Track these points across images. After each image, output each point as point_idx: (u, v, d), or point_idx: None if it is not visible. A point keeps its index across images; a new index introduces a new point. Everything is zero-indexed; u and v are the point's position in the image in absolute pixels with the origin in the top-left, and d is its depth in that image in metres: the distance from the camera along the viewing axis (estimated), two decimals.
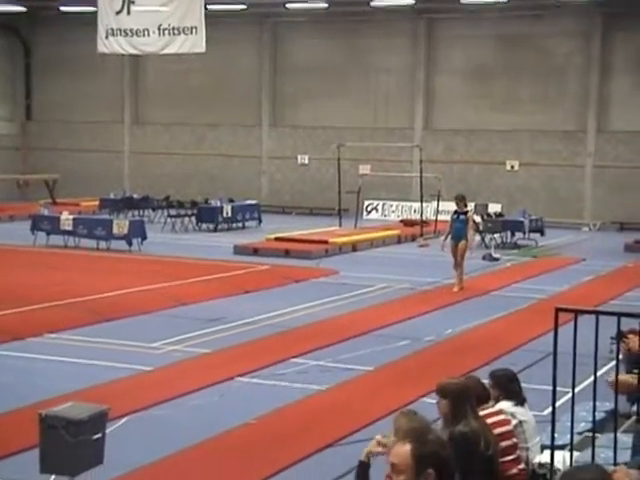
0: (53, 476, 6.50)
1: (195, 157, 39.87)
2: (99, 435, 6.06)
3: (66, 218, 25.68)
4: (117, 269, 21.46)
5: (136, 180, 40.43)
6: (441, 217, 31.05)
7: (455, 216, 19.12)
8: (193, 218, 30.67)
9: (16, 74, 43.12)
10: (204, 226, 30.47)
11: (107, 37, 26.37)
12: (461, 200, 19.20)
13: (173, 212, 30.86)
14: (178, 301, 16.95)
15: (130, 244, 24.69)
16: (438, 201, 30.22)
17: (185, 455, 8.71)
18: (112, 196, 34.42)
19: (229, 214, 31.03)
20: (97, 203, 34.45)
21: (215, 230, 30.24)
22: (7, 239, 25.96)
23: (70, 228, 25.40)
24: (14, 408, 9.91)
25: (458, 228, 18.86)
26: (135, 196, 34.66)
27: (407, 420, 4.94)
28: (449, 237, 19.17)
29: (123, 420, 9.37)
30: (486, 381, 6.95)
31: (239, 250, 24.61)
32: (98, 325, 14.70)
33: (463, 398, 5.81)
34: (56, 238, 25.37)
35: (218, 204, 31.23)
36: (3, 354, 12.65)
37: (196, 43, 25.25)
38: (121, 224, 25.24)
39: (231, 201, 32.24)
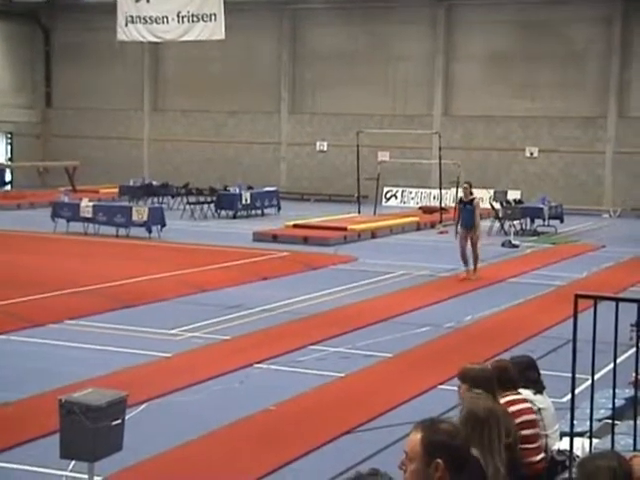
0: (73, 461, 6.55)
1: (214, 144, 39.90)
2: (118, 421, 6.09)
3: (86, 205, 25.78)
4: (136, 256, 21.54)
5: (155, 167, 40.52)
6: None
7: (462, 205, 18.88)
8: (212, 205, 30.71)
9: (36, 62, 43.26)
10: (223, 213, 30.51)
11: (127, 25, 26.46)
12: (466, 188, 18.95)
13: (192, 199, 30.91)
14: (197, 288, 17.00)
15: (149, 231, 24.76)
16: (457, 188, 30.12)
17: (204, 441, 8.74)
18: (131, 183, 34.51)
19: (248, 201, 31.06)
20: (116, 190, 34.55)
21: (234, 217, 30.28)
22: (28, 226, 26.10)
23: (90, 215, 25.50)
24: (34, 394, 9.97)
25: (466, 218, 18.68)
26: (154, 183, 34.74)
27: None
28: (459, 225, 19.06)
29: (142, 406, 9.41)
30: None
31: (258, 237, 24.64)
32: (117, 312, 14.76)
33: (477, 384, 5.79)
34: (76, 225, 25.48)
35: (237, 191, 31.25)
36: (23, 340, 12.73)
37: (215, 30, 25.29)
38: (140, 211, 25.32)
39: (250, 188, 32.26)
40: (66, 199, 27.18)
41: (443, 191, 30.36)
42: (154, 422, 9.17)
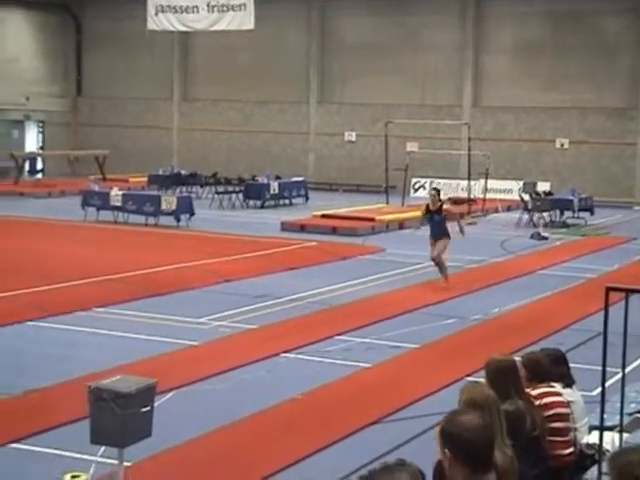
0: (103, 447, 6.59)
1: (243, 134, 39.96)
2: (147, 408, 6.12)
3: (115, 194, 25.92)
4: (165, 245, 21.63)
5: (184, 156, 40.65)
6: (489, 195, 30.90)
7: (429, 215, 16.50)
8: (240, 195, 30.77)
9: (67, 51, 43.51)
10: (251, 203, 30.56)
11: (157, 14, 26.55)
12: (434, 196, 16.53)
13: (220, 189, 30.99)
14: (225, 277, 17.05)
15: (178, 220, 24.87)
16: (486, 179, 30.00)
17: (231, 430, 8.78)
18: (160, 172, 34.65)
19: (276, 191, 31.10)
20: (146, 179, 34.71)
21: (262, 207, 30.33)
22: (58, 214, 26.30)
23: (119, 204, 25.64)
24: (64, 380, 10.06)
25: (434, 228, 16.45)
26: (183, 172, 34.86)
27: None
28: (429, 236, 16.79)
29: (170, 394, 9.46)
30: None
31: (286, 227, 24.66)
32: (146, 300, 14.83)
33: (503, 376, 5.76)
34: (106, 213, 25.63)
35: (265, 181, 31.29)
36: (53, 327, 12.83)
37: (245, 20, 25.32)
38: (169, 200, 25.43)
39: (278, 178, 32.29)
40: (96, 188, 27.35)
41: (472, 182, 30.22)
42: (182, 410, 9.21)
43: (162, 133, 41.60)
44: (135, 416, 6.03)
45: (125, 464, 6.39)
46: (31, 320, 13.10)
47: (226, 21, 25.56)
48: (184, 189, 32.78)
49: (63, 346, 11.92)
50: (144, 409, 6.09)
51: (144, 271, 17.25)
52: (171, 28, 26.92)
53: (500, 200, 31.46)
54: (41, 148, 42.74)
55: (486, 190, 29.96)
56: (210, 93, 40.86)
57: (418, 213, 25.78)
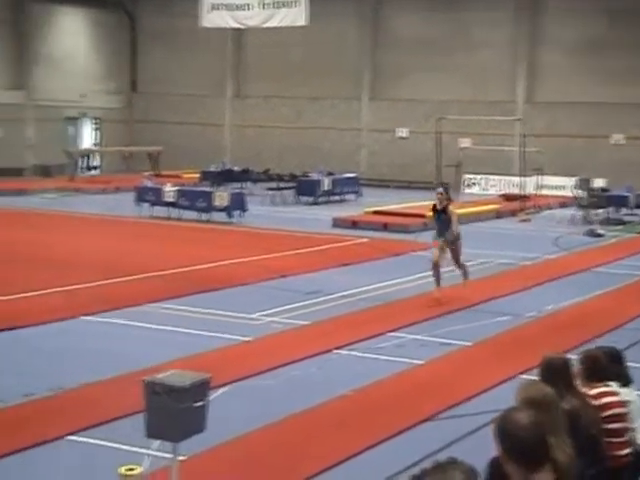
0: (158, 441, 6.66)
1: (295, 130, 40.05)
2: (201, 403, 6.17)
3: (169, 190, 26.15)
4: (218, 241, 21.78)
5: (236, 153, 40.84)
6: (543, 192, 30.60)
7: (435, 215, 15.32)
8: (292, 191, 30.84)
9: (122, 48, 43.96)
10: (303, 199, 30.62)
11: (210, 11, 26.68)
12: (441, 194, 15.19)
13: (272, 185, 31.08)
14: (277, 273, 17.10)
15: (230, 216, 25.01)
16: (540, 175, 29.72)
17: (282, 425, 8.81)
18: (213, 169, 34.87)
19: (328, 187, 31.12)
20: (198, 175, 34.95)
21: (314, 203, 30.37)
22: (113, 210, 26.61)
23: (172, 200, 25.86)
24: (118, 375, 10.18)
25: (441, 229, 15.16)
26: (235, 169, 35.03)
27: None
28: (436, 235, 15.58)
29: (222, 389, 9.51)
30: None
31: (338, 223, 24.68)
32: (198, 295, 14.94)
33: (555, 374, 5.69)
34: (160, 209, 25.87)
35: (317, 177, 31.33)
36: (107, 322, 12.99)
37: (298, 16, 25.36)
38: (222, 196, 25.58)
39: (330, 174, 32.30)
40: (150, 184, 27.62)
41: (525, 179, 29.95)
42: (233, 405, 9.27)
43: (215, 130, 41.85)
44: (189, 411, 6.08)
45: (179, 458, 6.45)
46: (86, 315, 13.26)
47: (279, 17, 25.63)
48: (236, 185, 32.95)
49: (117, 340, 12.06)
50: (198, 404, 6.14)
51: (197, 267, 17.39)
52: (224, 25, 27.07)
53: (554, 197, 31.15)
54: (97, 145, 43.28)
55: (540, 186, 29.67)
56: (262, 89, 41.00)
57: (471, 209, 25.26)
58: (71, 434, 8.34)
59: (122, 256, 18.70)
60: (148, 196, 26.47)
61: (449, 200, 15.34)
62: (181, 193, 26.09)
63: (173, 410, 6.03)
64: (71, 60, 41.34)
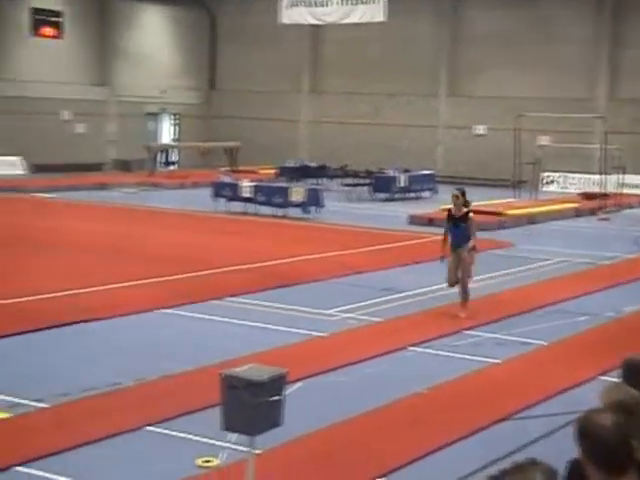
0: (233, 434, 6.75)
1: (371, 126, 40.01)
2: (278, 397, 6.23)
3: (245, 185, 26.38)
4: (294, 236, 21.89)
5: (313, 149, 40.99)
6: (624, 190, 30.03)
7: (450, 223, 13.55)
8: (368, 187, 30.83)
9: (201, 45, 44.47)
10: (379, 195, 30.59)
11: (289, 8, 26.81)
12: (457, 198, 13.53)
13: (348, 181, 31.10)
14: (352, 269, 17.13)
15: (307, 212, 25.11)
16: (622, 174, 29.18)
17: (357, 422, 8.83)
18: (289, 164, 35.03)
19: (404, 184, 31.04)
20: (275, 171, 35.16)
21: (390, 200, 30.31)
22: (191, 205, 26.95)
23: (249, 195, 26.07)
24: (196, 367, 10.32)
25: (457, 238, 13.46)
26: (311, 164, 35.16)
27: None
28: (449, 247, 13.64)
29: (298, 384, 9.57)
30: None
31: (413, 220, 24.60)
32: (275, 290, 15.05)
33: (636, 376, 5.59)
34: (236, 204, 26.11)
35: (393, 173, 31.27)
36: (185, 315, 13.17)
37: (376, 12, 25.35)
38: (298, 192, 25.70)
39: (406, 171, 32.21)
40: (226, 179, 27.89)
41: (606, 177, 29.45)
42: (308, 400, 9.32)
43: (291, 125, 42.04)
44: (266, 405, 6.15)
45: (255, 452, 6.52)
46: (165, 308, 13.47)
47: (358, 14, 25.64)
48: (313, 181, 33.07)
49: (195, 334, 12.23)
50: (274, 398, 6.20)
51: (273, 262, 17.51)
52: (303, 22, 27.19)
53: (635, 195, 30.55)
54: (176, 140, 43.88)
55: (621, 185, 29.12)
56: (339, 86, 41.05)
57: (549, 208, 24.24)
58: (149, 425, 8.48)
59: (200, 251, 18.94)
60: (225, 191, 26.73)
61: (467, 205, 13.50)
62: (258, 189, 26.28)
63: (250, 404, 6.10)
64: (152, 57, 41.98)
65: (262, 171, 36.13)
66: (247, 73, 42.72)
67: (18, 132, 36.35)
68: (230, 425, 6.32)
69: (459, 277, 13.52)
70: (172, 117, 43.98)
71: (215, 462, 7.54)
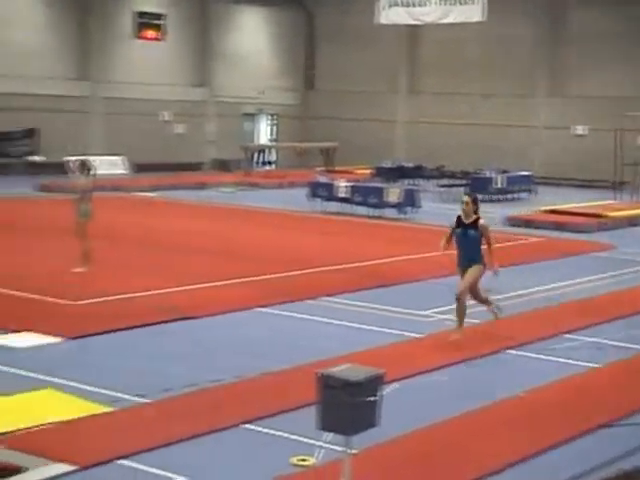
0: (329, 433, 6.77)
1: (468, 127, 39.67)
2: (375, 398, 6.24)
3: (341, 185, 26.46)
4: (390, 236, 21.88)
5: (409, 149, 40.86)
6: None
7: (460, 230, 11.94)
8: (465, 188, 30.56)
9: (298, 46, 44.77)
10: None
11: (387, 8, 26.80)
12: (467, 204, 11.93)
13: (445, 182, 30.89)
14: (448, 270, 16.97)
15: (402, 212, 25.04)
16: None
17: (453, 423, 8.76)
18: (385, 165, 34.99)
19: (501, 185, 30.68)
20: (370, 171, 35.16)
21: (487, 201, 29.97)
22: (287, 205, 27.17)
23: (345, 195, 26.14)
24: (291, 366, 10.40)
25: (467, 249, 11.89)
26: (408, 165, 35.04)
27: None
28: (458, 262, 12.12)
29: (395, 385, 9.56)
30: None
31: (511, 221, 24.31)
32: (371, 290, 15.06)
33: None
34: (332, 204, 26.21)
35: (490, 174, 30.93)
36: (281, 314, 13.28)
37: (475, 12, 25.16)
38: (394, 192, 25.65)
39: (504, 172, 31.82)
40: (322, 179, 28.03)
41: None
42: (405, 401, 9.30)
43: (387, 126, 41.98)
44: (362, 405, 6.15)
45: (351, 452, 6.53)
46: (264, 306, 13.58)
47: (456, 14, 25.49)
48: (409, 182, 32.95)
49: (292, 332, 12.32)
50: (371, 398, 6.20)
51: (369, 262, 17.53)
52: (401, 22, 27.16)
53: None
54: (273, 140, 44.31)
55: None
56: (436, 86, 40.82)
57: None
58: (246, 422, 8.58)
59: (296, 250, 19.07)
60: (321, 191, 26.86)
61: (477, 212, 11.94)
62: (354, 189, 26.32)
63: (347, 404, 6.11)
64: (250, 58, 42.46)
65: (358, 171, 36.17)
66: (344, 73, 42.83)
67: (121, 132, 37.22)
68: (326, 424, 6.34)
69: (482, 297, 12.14)
70: (269, 117, 44.39)
71: (311, 461, 7.59)
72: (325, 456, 7.58)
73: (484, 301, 12.33)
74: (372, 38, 40.72)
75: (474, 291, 12.06)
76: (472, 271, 11.76)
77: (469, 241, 11.83)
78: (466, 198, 12.04)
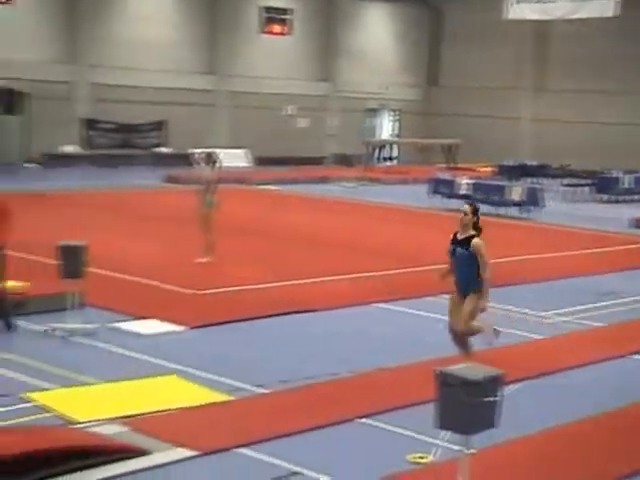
0: (447, 432, 6.74)
1: (595, 125, 38.77)
2: (494, 398, 6.19)
3: (463, 182, 26.27)
4: (510, 236, 21.59)
5: (532, 147, 40.22)
6: None
7: (451, 247, 10.14)
8: (590, 188, 29.92)
9: (422, 41, 44.59)
10: (601, 197, 29.61)
11: (515, 3, 26.44)
12: (466, 215, 10.03)
13: (569, 181, 30.30)
14: (569, 272, 16.70)
15: (524, 211, 24.68)
16: None
17: (575, 427, 8.60)
18: (508, 163, 34.54)
19: (629, 185, 29.90)
20: (493, 169, 34.77)
21: (613, 201, 29.27)
22: (408, 201, 27.17)
23: (466, 192, 25.93)
24: (409, 362, 10.39)
25: (460, 269, 10.01)
26: (530, 163, 34.50)
27: None
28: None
29: (514, 386, 9.44)
30: None
31: (638, 223, 23.66)
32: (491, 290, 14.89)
33: None
34: (454, 202, 26.03)
35: (617, 175, 30.17)
36: (399, 310, 13.29)
37: (606, 7, 24.55)
38: (516, 191, 25.31)
39: (632, 172, 30.98)
40: (444, 176, 27.87)
41: None
42: (524, 403, 9.18)
43: (511, 123, 41.41)
44: (481, 405, 6.11)
45: (470, 451, 6.50)
46: (377, 302, 13.64)
47: (587, 9, 24.91)
48: (532, 180, 32.45)
49: (410, 329, 12.32)
50: (490, 399, 6.16)
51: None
52: (529, 17, 26.75)
53: None
54: (396, 136, 44.31)
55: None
56: (563, 83, 40.04)
57: None
58: (361, 417, 8.62)
59: (415, 246, 19.04)
60: (442, 188, 26.73)
61: (476, 226, 10.03)
62: (475, 186, 26.10)
63: (465, 403, 6.09)
64: (373, 53, 42.54)
65: (480, 169, 35.82)
66: (469, 70, 42.45)
67: (245, 126, 37.85)
68: (444, 423, 6.33)
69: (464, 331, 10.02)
70: (392, 113, 44.36)
71: (428, 459, 7.58)
72: (442, 455, 7.56)
73: (462, 343, 10.04)
74: (498, 34, 40.20)
75: (465, 328, 9.94)
76: (468, 304, 9.86)
77: (458, 262, 9.90)
78: (466, 207, 10.10)
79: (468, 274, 9.84)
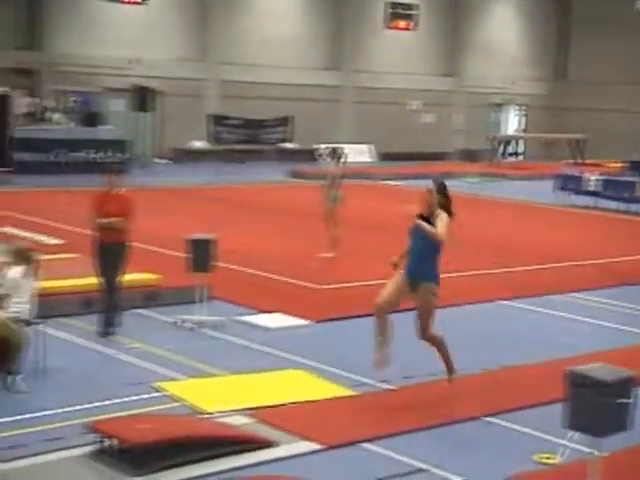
0: (574, 433, 6.62)
1: None
2: (626, 400, 6.06)
3: (591, 179, 25.69)
4: (637, 233, 21.17)
5: None
6: None
7: (413, 227, 8.81)
8: None
9: (550, 35, 43.75)
10: None
11: None
12: (430, 193, 8.82)
13: None
14: None
15: None
16: None
17: None
18: (639, 158, 33.56)
19: None
20: (622, 165, 33.84)
21: None
22: (533, 197, 26.74)
23: (594, 189, 25.38)
24: (536, 361, 10.24)
25: (414, 253, 8.79)
26: None
27: None
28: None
29: None
30: None
31: None
32: (617, 288, 14.57)
33: None
34: (581, 198, 25.54)
35: None
36: (524, 308, 13.10)
37: None
38: None
39: None
40: (571, 172, 27.32)
41: None
42: None
43: None
44: (612, 407, 6.00)
45: (600, 454, 6.37)
46: (503, 299, 13.47)
47: None
48: None
49: (536, 327, 12.13)
50: (622, 400, 6.03)
51: (614, 259, 17.00)
52: None
53: None
54: (522, 131, 43.64)
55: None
56: None
57: None
58: (487, 416, 8.54)
59: (540, 243, 18.75)
60: (569, 184, 26.24)
61: (448, 209, 8.80)
62: (604, 182, 25.49)
63: (596, 404, 5.98)
64: (499, 48, 41.98)
65: (609, 164, 34.89)
66: (600, 63, 41.42)
67: (369, 121, 37.92)
68: (574, 424, 6.22)
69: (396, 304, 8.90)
70: (518, 108, 43.70)
71: (556, 459, 7.46)
72: (570, 456, 7.42)
73: (439, 344, 9.05)
74: (629, 26, 39.08)
75: (428, 333, 8.91)
76: (420, 301, 8.76)
77: (414, 243, 8.72)
78: (430, 186, 8.83)
79: (421, 260, 8.65)
